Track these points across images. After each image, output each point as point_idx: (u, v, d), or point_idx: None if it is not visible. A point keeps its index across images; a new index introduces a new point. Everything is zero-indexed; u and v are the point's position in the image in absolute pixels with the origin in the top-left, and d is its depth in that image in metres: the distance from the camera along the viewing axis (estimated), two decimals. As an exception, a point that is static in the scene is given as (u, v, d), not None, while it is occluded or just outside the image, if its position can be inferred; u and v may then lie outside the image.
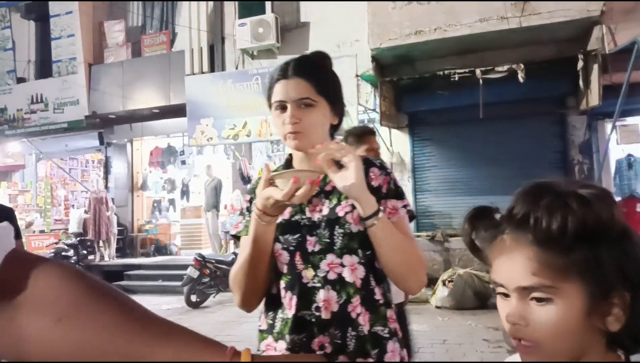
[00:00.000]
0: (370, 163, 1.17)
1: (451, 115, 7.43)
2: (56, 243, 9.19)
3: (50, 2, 10.34)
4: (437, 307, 5.81)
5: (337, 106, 1.18)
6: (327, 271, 1.08)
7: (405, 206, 1.17)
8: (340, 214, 1.11)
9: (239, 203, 9.32)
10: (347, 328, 1.06)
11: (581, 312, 0.56)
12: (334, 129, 1.21)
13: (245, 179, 9.17)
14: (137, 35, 10.13)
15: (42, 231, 10.42)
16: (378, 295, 1.11)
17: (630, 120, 7.35)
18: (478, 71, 6.43)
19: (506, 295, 0.61)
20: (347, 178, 1.02)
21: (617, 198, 7.37)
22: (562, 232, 0.55)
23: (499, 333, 4.43)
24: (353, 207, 1.10)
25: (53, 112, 10.41)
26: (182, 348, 0.49)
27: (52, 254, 8.32)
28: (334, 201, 1.14)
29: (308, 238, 1.10)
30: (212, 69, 9.02)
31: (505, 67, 6.36)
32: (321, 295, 1.07)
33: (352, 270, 1.08)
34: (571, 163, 7.09)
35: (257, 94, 8.34)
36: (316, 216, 1.12)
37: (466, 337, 4.51)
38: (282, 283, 1.12)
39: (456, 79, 6.68)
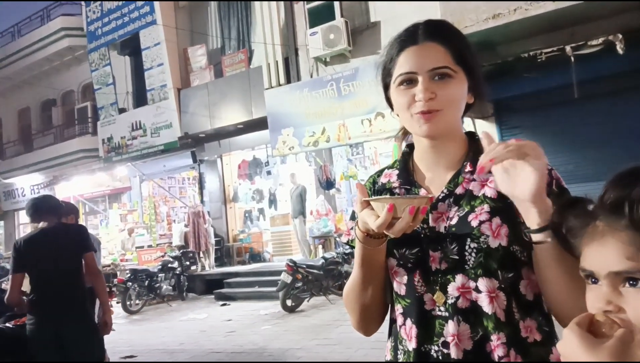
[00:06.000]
0: None
1: (541, 99, 6.92)
2: (162, 256, 10.03)
3: (141, 37, 11.37)
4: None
5: (475, 80, 0.94)
6: (457, 297, 0.86)
7: None
8: (474, 224, 0.86)
9: (323, 208, 9.48)
10: None
11: None
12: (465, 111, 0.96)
13: (324, 185, 9.32)
14: (217, 57, 10.76)
15: (149, 246, 11.44)
16: (532, 331, 0.86)
17: None
18: (568, 48, 5.96)
19: (594, 282, 0.61)
20: (527, 180, 0.75)
21: None
22: None
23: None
24: (491, 215, 0.86)
25: (151, 137, 11.41)
26: None
27: (160, 266, 9.09)
28: (466, 208, 0.89)
29: (431, 253, 0.89)
30: (288, 80, 9.31)
31: (600, 40, 5.82)
32: (450, 327, 0.85)
33: (490, 298, 0.84)
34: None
35: (333, 99, 8.44)
36: (442, 226, 0.89)
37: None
38: (399, 307, 0.93)
39: (543, 59, 6.24)
